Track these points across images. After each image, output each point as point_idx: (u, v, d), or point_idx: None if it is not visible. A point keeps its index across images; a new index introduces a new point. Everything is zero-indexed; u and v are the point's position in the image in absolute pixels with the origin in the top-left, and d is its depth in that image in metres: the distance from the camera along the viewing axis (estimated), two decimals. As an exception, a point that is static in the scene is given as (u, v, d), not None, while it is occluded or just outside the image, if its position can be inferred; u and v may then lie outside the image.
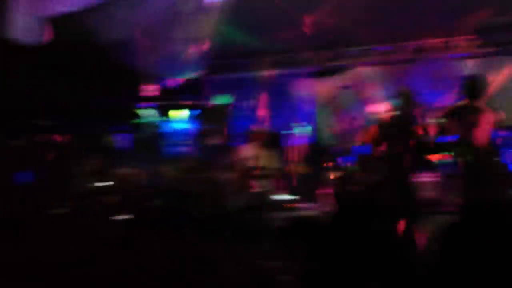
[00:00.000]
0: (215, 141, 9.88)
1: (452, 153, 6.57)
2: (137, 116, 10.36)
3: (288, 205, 8.17)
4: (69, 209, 5.68)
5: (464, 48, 10.12)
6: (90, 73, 9.55)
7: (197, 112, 10.50)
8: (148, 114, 10.36)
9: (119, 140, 10.25)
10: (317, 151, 9.78)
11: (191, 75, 9.90)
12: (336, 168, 8.84)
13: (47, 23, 8.00)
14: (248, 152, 8.39)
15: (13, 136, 9.09)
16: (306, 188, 8.71)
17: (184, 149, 10.20)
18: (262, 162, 8.28)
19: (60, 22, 8.20)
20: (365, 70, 10.78)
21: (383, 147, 6.98)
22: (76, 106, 9.46)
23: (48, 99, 9.12)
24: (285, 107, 11.03)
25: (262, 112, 10.94)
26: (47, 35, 8.02)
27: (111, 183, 9.07)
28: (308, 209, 8.12)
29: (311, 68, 11.09)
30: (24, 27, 7.75)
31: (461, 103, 6.47)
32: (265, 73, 11.00)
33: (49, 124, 9.51)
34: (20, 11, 7.56)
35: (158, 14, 8.62)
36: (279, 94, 11.04)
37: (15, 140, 9.13)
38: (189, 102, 10.50)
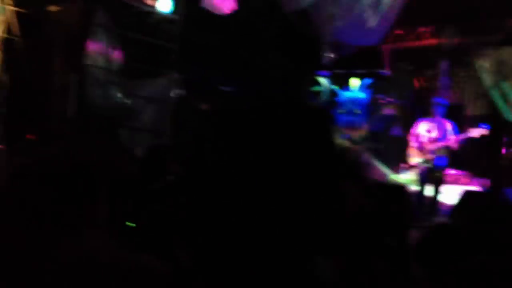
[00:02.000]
0: (387, 111, 9.96)
1: None
2: (317, 83, 10.69)
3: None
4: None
5: None
6: (275, 41, 10.06)
7: (373, 81, 10.63)
8: (325, 82, 10.65)
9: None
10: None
11: (372, 43, 10.06)
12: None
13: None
14: (430, 122, 8.43)
15: (199, 101, 9.86)
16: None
17: (355, 118, 10.39)
18: (443, 134, 8.27)
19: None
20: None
21: None
22: (259, 73, 10.02)
23: (236, 66, 9.73)
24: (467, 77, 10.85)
25: (443, 83, 10.81)
26: (233, 5, 8.67)
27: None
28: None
29: (498, 36, 10.57)
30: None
31: None
32: (449, 41, 10.78)
33: (232, 90, 10.12)
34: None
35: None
36: (462, 64, 10.84)
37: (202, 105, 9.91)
38: (366, 71, 10.63)
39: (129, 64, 8.54)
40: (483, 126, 8.10)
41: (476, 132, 8.06)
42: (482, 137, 8.21)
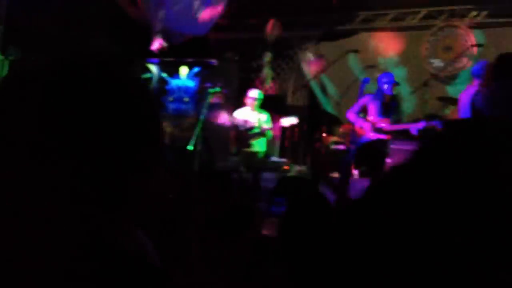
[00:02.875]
0: (214, 100, 10.30)
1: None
2: (146, 70, 10.77)
3: (282, 167, 8.77)
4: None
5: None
6: (102, 24, 10.03)
7: (200, 69, 10.91)
8: (155, 69, 10.77)
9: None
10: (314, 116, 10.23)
11: (201, 32, 10.35)
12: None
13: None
14: (246, 113, 8.96)
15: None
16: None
17: (184, 106, 10.62)
18: (258, 124, 8.79)
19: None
20: (370, 36, 10.87)
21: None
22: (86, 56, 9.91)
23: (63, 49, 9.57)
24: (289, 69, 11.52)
25: (266, 73, 11.37)
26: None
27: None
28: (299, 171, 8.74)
29: (318, 30, 11.22)
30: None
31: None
32: (273, 34, 11.29)
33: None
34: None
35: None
36: (285, 56, 11.48)
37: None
38: (195, 60, 10.87)
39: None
40: (293, 116, 8.72)
41: (287, 122, 8.70)
42: (303, 126, 8.86)
